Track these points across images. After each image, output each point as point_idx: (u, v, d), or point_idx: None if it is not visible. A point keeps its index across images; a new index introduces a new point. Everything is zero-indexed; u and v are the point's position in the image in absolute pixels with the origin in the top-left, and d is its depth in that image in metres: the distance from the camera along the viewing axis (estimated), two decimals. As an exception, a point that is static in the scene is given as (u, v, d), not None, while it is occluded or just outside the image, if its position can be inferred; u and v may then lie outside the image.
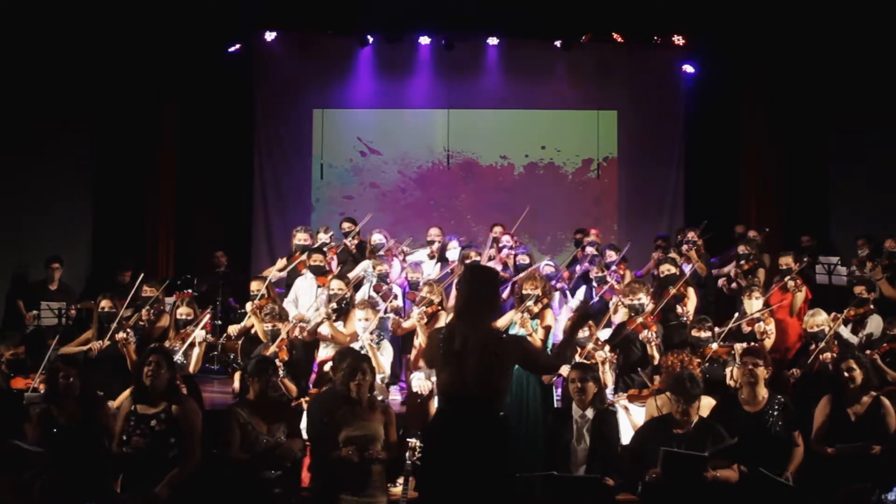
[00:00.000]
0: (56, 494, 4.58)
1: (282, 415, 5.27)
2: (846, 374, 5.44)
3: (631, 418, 6.09)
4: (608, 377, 6.27)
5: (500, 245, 8.98)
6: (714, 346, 6.52)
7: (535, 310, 6.69)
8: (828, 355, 6.31)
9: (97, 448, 4.93)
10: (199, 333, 6.52)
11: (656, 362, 6.67)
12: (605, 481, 4.92)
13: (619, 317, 7.27)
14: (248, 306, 7.10)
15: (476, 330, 3.82)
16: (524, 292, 6.78)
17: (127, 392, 5.82)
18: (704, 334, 6.56)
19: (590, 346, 6.40)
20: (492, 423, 3.79)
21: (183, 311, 6.77)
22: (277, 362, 6.08)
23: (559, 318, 7.90)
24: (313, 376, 6.84)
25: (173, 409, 5.01)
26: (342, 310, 6.92)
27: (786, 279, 7.61)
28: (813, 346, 6.59)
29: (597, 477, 4.93)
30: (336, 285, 7.10)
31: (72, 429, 4.94)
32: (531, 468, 5.52)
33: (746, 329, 6.94)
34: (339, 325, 6.87)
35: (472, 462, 3.71)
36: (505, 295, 7.68)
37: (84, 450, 4.89)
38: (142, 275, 7.52)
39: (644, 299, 6.93)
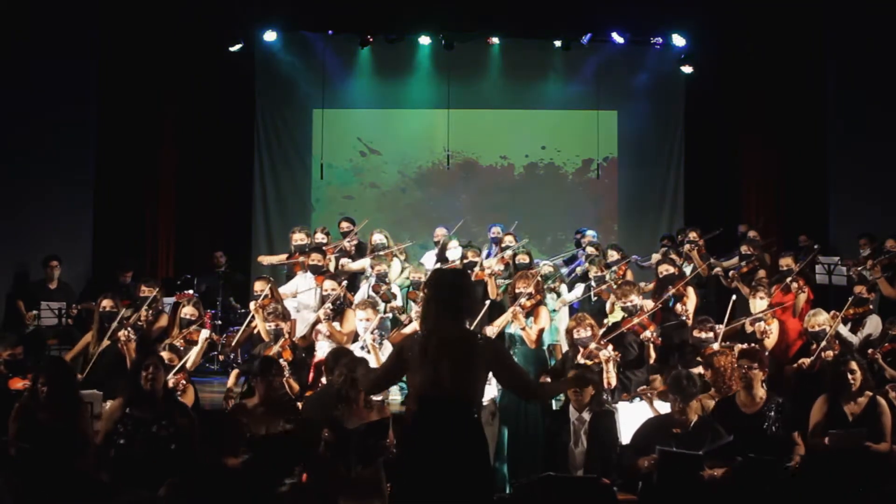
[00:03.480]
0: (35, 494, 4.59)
1: (283, 415, 5.22)
2: (848, 376, 5.45)
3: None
4: (612, 376, 6.26)
5: (503, 245, 8.97)
6: (715, 346, 6.51)
7: (528, 305, 6.73)
8: (830, 353, 6.34)
9: (71, 450, 4.92)
10: (204, 332, 6.61)
11: (653, 361, 6.69)
12: (602, 481, 4.92)
13: (614, 317, 7.28)
14: (252, 305, 7.12)
15: (449, 332, 3.82)
16: (517, 291, 6.84)
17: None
18: (706, 335, 6.54)
19: (592, 345, 6.39)
20: (466, 424, 3.77)
21: (188, 311, 6.86)
22: (282, 362, 6.09)
23: (556, 317, 7.91)
24: (311, 377, 6.84)
25: (173, 413, 5.01)
26: (337, 309, 6.94)
27: (787, 280, 7.62)
28: (814, 346, 6.61)
29: (594, 477, 4.92)
30: (328, 285, 7.13)
31: (49, 429, 4.93)
32: (529, 471, 5.52)
33: (749, 329, 6.95)
34: (335, 324, 6.88)
35: (447, 463, 3.70)
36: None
37: (59, 451, 4.88)
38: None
39: (636, 300, 6.94)
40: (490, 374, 4.01)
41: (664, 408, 5.69)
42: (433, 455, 3.71)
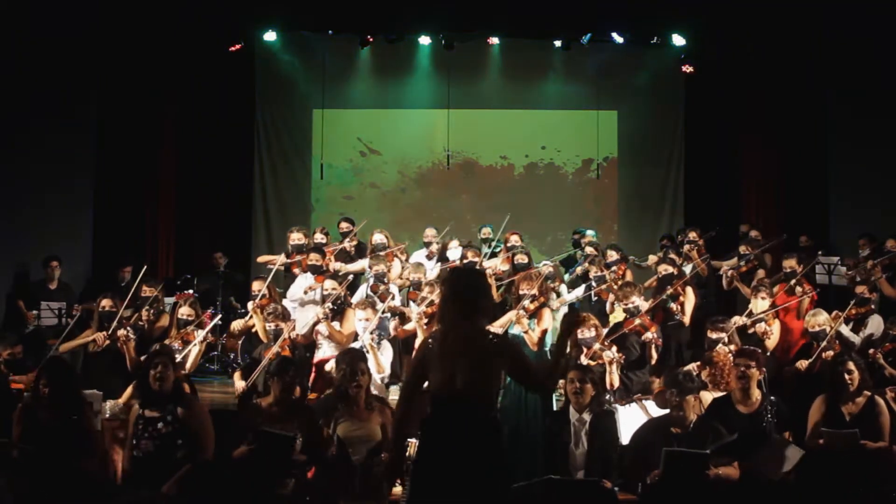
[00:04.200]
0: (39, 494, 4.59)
1: (297, 417, 5.18)
2: (846, 376, 5.45)
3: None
4: (615, 377, 6.25)
5: (509, 245, 8.97)
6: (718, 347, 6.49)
7: (532, 308, 6.71)
8: (830, 353, 6.34)
9: (74, 450, 4.92)
10: (199, 333, 6.62)
11: (653, 363, 6.68)
12: (604, 484, 4.91)
13: (616, 317, 7.27)
14: (250, 305, 7.12)
15: (465, 332, 3.81)
16: (521, 292, 6.83)
17: (130, 391, 5.87)
18: (717, 335, 6.50)
19: (596, 346, 6.38)
20: (483, 424, 3.76)
21: (185, 312, 6.87)
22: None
23: (556, 317, 7.91)
24: (311, 378, 6.83)
25: (179, 410, 5.01)
26: (337, 309, 6.94)
27: (792, 283, 7.61)
28: (815, 346, 6.60)
29: (595, 480, 4.91)
30: (329, 285, 7.14)
31: (51, 429, 4.93)
32: (529, 471, 5.51)
33: (751, 329, 6.94)
34: (335, 324, 6.88)
35: (464, 464, 3.68)
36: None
37: (62, 451, 4.87)
38: (144, 267, 7.62)
39: (637, 301, 6.93)
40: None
41: (657, 412, 5.69)
42: (448, 455, 3.70)
